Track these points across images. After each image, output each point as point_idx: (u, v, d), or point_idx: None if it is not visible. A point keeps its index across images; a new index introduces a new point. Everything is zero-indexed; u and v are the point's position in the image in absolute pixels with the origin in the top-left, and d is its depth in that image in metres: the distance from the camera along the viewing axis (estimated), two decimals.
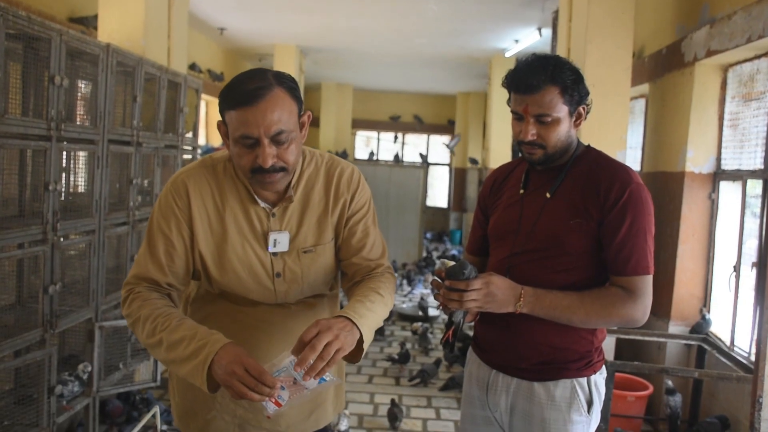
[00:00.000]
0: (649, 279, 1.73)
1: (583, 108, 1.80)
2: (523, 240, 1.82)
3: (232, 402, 1.67)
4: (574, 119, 1.78)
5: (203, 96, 8.76)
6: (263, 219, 1.66)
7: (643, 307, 1.72)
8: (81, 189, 3.33)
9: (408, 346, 5.87)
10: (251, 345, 1.62)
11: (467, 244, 2.13)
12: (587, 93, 1.79)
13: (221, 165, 1.68)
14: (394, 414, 4.17)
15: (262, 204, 1.66)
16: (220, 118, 1.57)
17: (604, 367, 1.89)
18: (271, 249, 1.65)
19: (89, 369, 3.19)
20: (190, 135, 4.48)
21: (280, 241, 1.66)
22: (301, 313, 1.72)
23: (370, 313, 1.56)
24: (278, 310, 1.70)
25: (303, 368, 1.40)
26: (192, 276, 1.72)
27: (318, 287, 1.75)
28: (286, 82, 1.54)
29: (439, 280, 1.70)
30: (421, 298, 7.34)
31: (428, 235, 13.61)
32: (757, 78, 3.80)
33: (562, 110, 1.73)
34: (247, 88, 1.48)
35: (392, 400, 4.30)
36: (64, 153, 3.14)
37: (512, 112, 1.79)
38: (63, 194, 3.16)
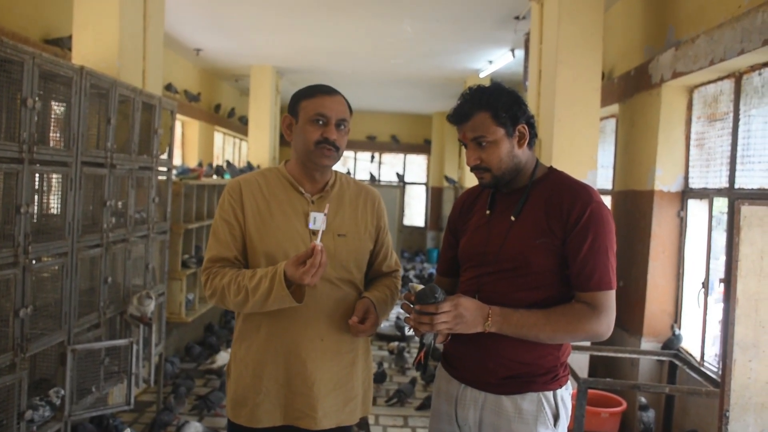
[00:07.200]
0: (611, 294, 1.77)
1: (524, 127, 1.85)
2: (491, 260, 1.86)
3: (275, 386, 2.01)
4: (516, 139, 1.84)
5: (179, 116, 8.78)
6: (304, 204, 2.06)
7: (607, 322, 1.76)
8: (54, 211, 3.30)
9: (385, 365, 5.86)
10: (291, 319, 1.99)
11: (438, 266, 2.18)
12: (525, 113, 1.85)
13: (269, 171, 2.14)
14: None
15: (304, 193, 2.06)
16: (283, 114, 2.11)
17: (569, 382, 1.92)
18: (311, 226, 2.00)
19: (62, 393, 3.15)
20: (164, 156, 4.47)
21: (318, 219, 1.98)
22: (331, 296, 2.04)
23: (385, 306, 2.09)
24: (311, 292, 1.98)
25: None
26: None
27: (349, 270, 2.06)
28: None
29: (410, 304, 1.75)
30: (398, 318, 7.34)
31: (417, 257, 13.69)
32: (720, 99, 3.90)
33: (497, 132, 1.81)
34: (326, 87, 2.04)
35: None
36: (37, 175, 3.12)
37: (459, 141, 1.90)
38: (35, 216, 3.14)
